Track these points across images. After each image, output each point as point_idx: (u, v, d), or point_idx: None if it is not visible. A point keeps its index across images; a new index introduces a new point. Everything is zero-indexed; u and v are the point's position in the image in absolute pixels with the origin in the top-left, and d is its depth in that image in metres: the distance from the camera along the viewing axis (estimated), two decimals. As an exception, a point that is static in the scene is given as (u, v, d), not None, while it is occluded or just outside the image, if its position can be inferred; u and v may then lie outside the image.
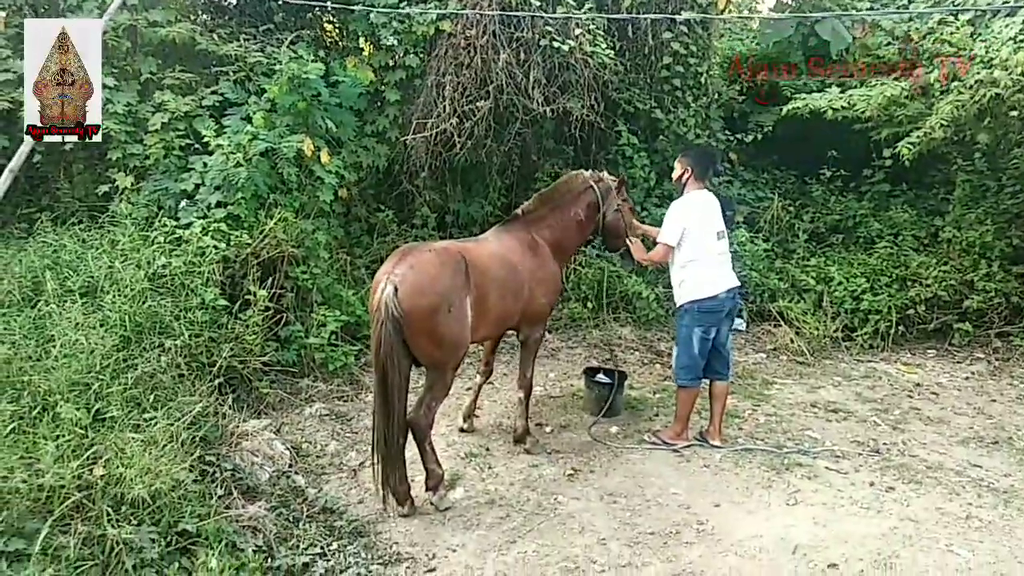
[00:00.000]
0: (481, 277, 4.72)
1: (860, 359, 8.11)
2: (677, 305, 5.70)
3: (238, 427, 5.10)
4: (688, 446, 5.66)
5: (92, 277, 5.26)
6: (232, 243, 5.86)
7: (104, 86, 6.19)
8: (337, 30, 8.34)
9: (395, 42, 7.47)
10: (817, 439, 5.95)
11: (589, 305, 8.36)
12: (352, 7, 7.29)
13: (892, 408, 6.71)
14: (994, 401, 7.02)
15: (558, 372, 7.24)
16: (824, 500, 4.94)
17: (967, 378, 7.66)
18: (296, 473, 4.95)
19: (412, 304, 4.26)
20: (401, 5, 7.55)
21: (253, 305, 5.76)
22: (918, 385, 7.35)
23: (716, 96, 9.85)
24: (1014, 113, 7.43)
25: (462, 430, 5.79)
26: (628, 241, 5.90)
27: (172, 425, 4.25)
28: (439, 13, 7.40)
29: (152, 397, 4.49)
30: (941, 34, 8.11)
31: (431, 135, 7.32)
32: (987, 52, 7.47)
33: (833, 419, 6.42)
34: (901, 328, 8.41)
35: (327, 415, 5.79)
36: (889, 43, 9.08)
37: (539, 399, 6.48)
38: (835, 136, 9.43)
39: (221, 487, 4.32)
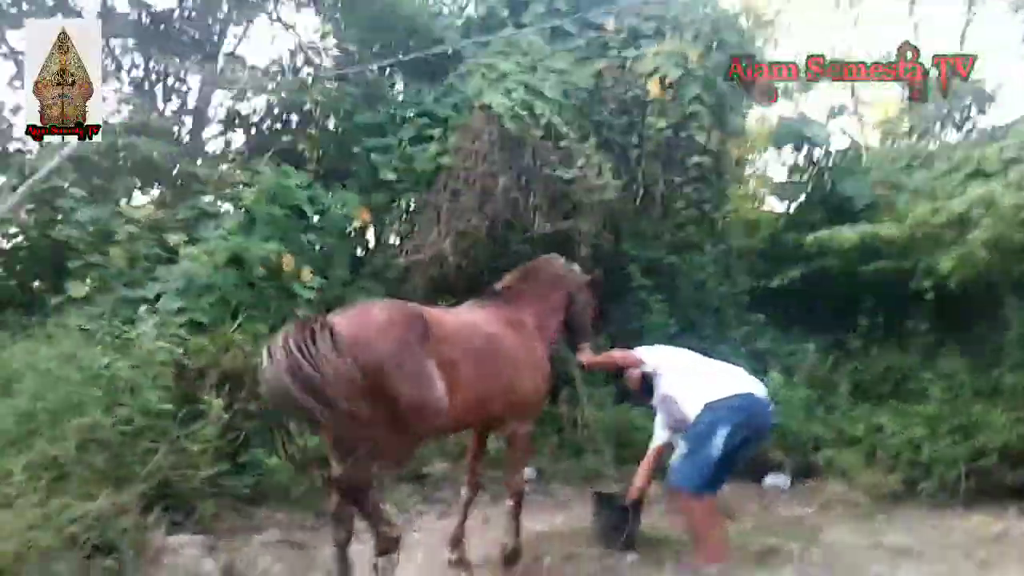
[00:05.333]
0: (447, 343, 3.87)
1: (928, 513, 6.85)
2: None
3: (162, 542, 4.21)
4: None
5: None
6: (189, 349, 5.24)
7: (71, 196, 6.02)
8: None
9: (393, 177, 7.28)
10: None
11: (606, 458, 7.34)
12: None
13: (975, 550, 5.48)
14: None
15: (565, 517, 6.09)
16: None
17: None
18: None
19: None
20: (401, 145, 7.44)
21: (207, 415, 5.03)
22: (1003, 534, 6.08)
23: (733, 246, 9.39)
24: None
25: (451, 562, 4.69)
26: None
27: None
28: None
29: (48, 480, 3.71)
30: None
31: (426, 258, 6.87)
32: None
33: (903, 560, 5.22)
34: (972, 482, 7.19)
35: (281, 543, 4.81)
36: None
37: (538, 534, 5.40)
38: (868, 280, 8.75)
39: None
